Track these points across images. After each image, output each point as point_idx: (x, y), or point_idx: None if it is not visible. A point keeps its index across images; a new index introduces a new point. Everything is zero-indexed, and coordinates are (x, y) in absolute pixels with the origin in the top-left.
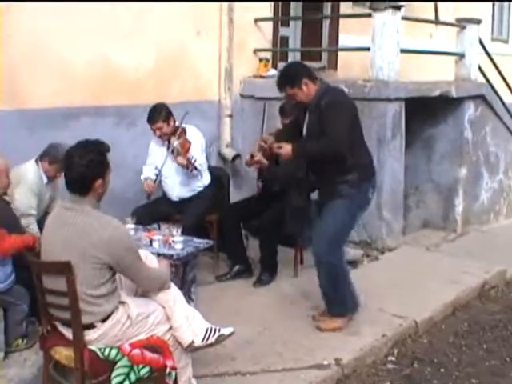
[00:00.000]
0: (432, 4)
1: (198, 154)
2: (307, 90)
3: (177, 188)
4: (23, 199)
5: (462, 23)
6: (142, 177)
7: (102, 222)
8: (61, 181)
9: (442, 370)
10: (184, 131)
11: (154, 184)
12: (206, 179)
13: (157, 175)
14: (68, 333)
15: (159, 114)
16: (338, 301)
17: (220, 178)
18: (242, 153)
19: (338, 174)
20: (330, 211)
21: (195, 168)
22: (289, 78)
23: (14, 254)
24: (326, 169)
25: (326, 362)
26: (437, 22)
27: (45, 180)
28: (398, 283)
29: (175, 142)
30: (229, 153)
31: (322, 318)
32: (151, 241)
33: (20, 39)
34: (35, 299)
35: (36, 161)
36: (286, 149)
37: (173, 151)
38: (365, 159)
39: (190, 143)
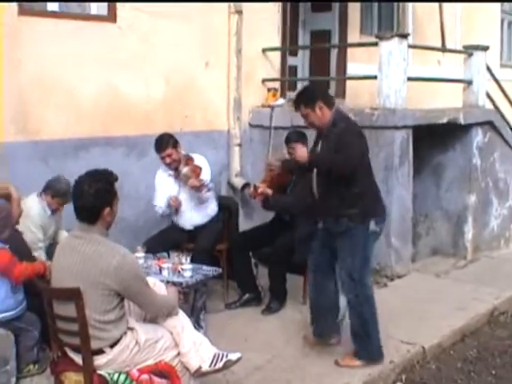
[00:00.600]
0: (439, 31)
1: (207, 177)
2: (321, 114)
3: (190, 215)
4: (28, 234)
5: (469, 50)
6: (161, 211)
7: (110, 249)
8: (64, 211)
9: None
10: (191, 158)
11: (177, 199)
12: (215, 206)
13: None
14: (78, 358)
15: (167, 141)
16: (369, 343)
17: (229, 207)
18: (252, 182)
19: (342, 206)
20: (342, 250)
21: (208, 189)
22: (305, 97)
23: (26, 282)
24: (331, 197)
25: None
26: (444, 49)
27: (48, 212)
28: (407, 310)
29: (184, 169)
30: (238, 182)
31: (344, 356)
32: (161, 269)
33: (29, 67)
34: (46, 326)
35: (39, 194)
36: (303, 151)
37: (182, 179)
38: (370, 193)
39: (200, 168)
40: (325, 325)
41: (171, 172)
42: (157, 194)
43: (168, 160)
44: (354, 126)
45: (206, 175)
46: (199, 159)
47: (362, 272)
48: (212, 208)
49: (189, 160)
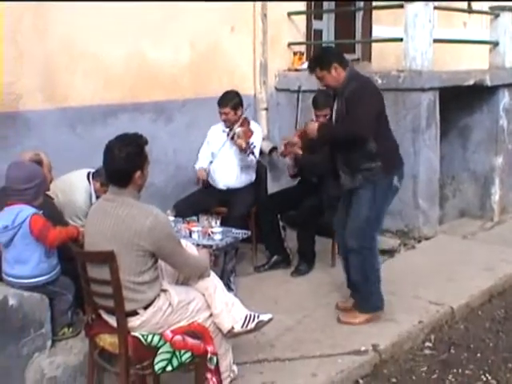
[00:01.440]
0: None
1: (257, 144)
2: (336, 75)
3: (227, 176)
4: (74, 219)
5: (495, 11)
6: (197, 166)
7: (142, 211)
8: (80, 165)
9: (479, 355)
10: (248, 121)
11: (206, 172)
12: (253, 175)
13: (210, 162)
14: (112, 320)
15: (231, 100)
16: (367, 296)
17: (258, 171)
18: (279, 145)
19: (362, 162)
20: (357, 202)
21: (252, 153)
22: (319, 60)
23: (60, 246)
24: (350, 156)
25: (363, 348)
26: (470, 10)
27: (94, 199)
28: (435, 271)
29: (238, 129)
30: (265, 146)
31: (344, 310)
32: (190, 232)
33: (56, 33)
34: (79, 290)
35: (88, 177)
36: (313, 126)
37: (233, 136)
38: (390, 148)
39: (252, 132)
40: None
41: (225, 129)
42: (202, 148)
43: (223, 117)
44: (366, 84)
45: (255, 141)
46: (254, 125)
47: (376, 224)
48: (249, 177)
49: (244, 122)
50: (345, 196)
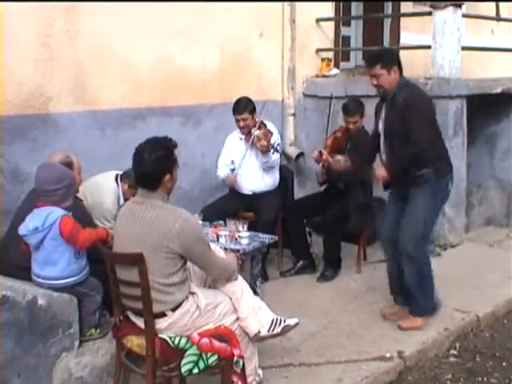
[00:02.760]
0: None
1: (277, 143)
2: (393, 78)
3: (251, 181)
4: (103, 222)
5: None
6: (222, 174)
7: (172, 213)
8: (107, 167)
9: (504, 364)
10: (264, 124)
11: (235, 177)
12: (278, 177)
13: (232, 170)
14: (140, 322)
15: (246, 105)
16: (424, 300)
17: (284, 176)
18: (306, 151)
19: (416, 168)
20: (415, 207)
21: (277, 151)
22: (384, 57)
23: (89, 248)
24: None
25: (388, 355)
26: (498, 18)
27: (122, 201)
28: (461, 278)
29: (256, 132)
30: (292, 151)
31: (402, 318)
32: (218, 236)
33: (87, 37)
34: (107, 291)
35: (116, 178)
36: (382, 171)
37: (253, 141)
38: (442, 154)
39: (271, 133)
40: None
41: (242, 136)
42: (221, 158)
43: (242, 124)
44: (422, 93)
45: (275, 139)
46: (270, 126)
47: (431, 228)
48: (273, 180)
49: (261, 125)
50: (393, 200)
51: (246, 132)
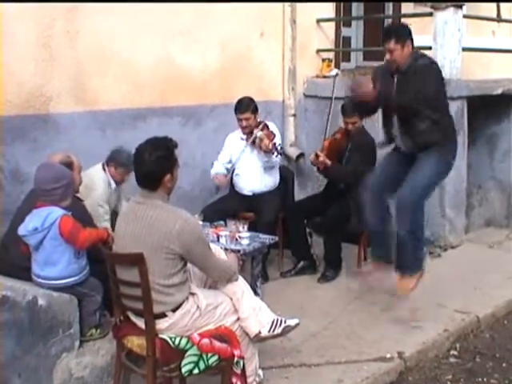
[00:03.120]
0: (494, 1)
1: (279, 144)
2: (406, 52)
3: (251, 181)
4: (96, 207)
5: None
6: (213, 171)
7: (172, 214)
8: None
9: (504, 365)
10: (266, 125)
11: (225, 177)
12: (278, 178)
13: (228, 169)
14: (140, 322)
15: (248, 105)
16: (417, 253)
17: (285, 177)
18: (306, 152)
19: (426, 133)
20: (424, 164)
21: (280, 153)
22: (398, 32)
23: (89, 248)
24: (416, 128)
25: (388, 355)
26: (499, 19)
27: (113, 185)
28: (461, 279)
29: (259, 133)
30: (293, 152)
31: (399, 282)
32: (218, 237)
33: (87, 38)
34: (107, 291)
35: (103, 166)
36: (367, 86)
37: (254, 141)
38: (450, 126)
39: (274, 135)
40: (388, 251)
41: (243, 136)
42: (220, 155)
43: (244, 123)
44: (435, 63)
45: (278, 141)
46: (272, 126)
47: (431, 190)
48: (274, 180)
49: (264, 126)
50: (393, 159)
51: (248, 132)
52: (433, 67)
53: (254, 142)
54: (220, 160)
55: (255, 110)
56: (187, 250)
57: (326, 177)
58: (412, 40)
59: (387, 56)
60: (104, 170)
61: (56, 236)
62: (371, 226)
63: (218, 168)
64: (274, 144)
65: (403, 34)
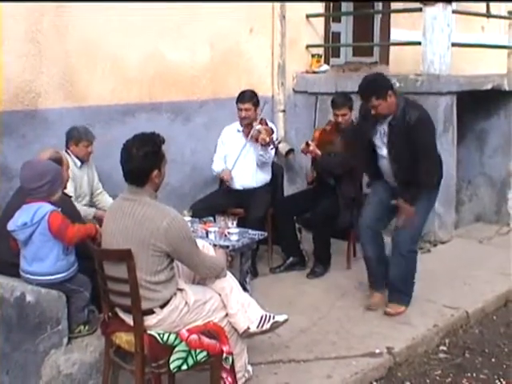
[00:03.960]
0: None
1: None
2: (390, 102)
3: (243, 175)
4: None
5: None
6: (217, 168)
7: (159, 211)
8: (96, 163)
9: (493, 360)
10: (265, 121)
11: (230, 173)
12: (269, 175)
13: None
14: (128, 319)
15: (251, 96)
16: (409, 290)
17: (274, 172)
18: (296, 147)
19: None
20: (418, 209)
21: (275, 146)
22: (375, 89)
23: (77, 244)
24: (408, 174)
25: (378, 351)
26: (488, 15)
27: (78, 163)
28: (450, 275)
29: (258, 126)
30: (282, 147)
31: (385, 304)
32: (207, 232)
33: (76, 33)
34: (95, 288)
35: (66, 151)
36: (410, 211)
37: (252, 134)
38: (440, 163)
39: (273, 131)
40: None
41: (240, 128)
42: (217, 152)
43: (244, 114)
44: (426, 113)
45: (275, 136)
46: (270, 124)
47: (421, 231)
48: (265, 177)
49: (262, 121)
50: (380, 192)
51: (246, 124)
52: (425, 120)
53: (251, 135)
54: (218, 155)
55: (256, 103)
56: (174, 247)
57: (315, 168)
58: (393, 87)
59: (372, 112)
60: (68, 154)
61: (45, 231)
62: (367, 251)
63: (221, 164)
64: (272, 138)
65: (382, 88)
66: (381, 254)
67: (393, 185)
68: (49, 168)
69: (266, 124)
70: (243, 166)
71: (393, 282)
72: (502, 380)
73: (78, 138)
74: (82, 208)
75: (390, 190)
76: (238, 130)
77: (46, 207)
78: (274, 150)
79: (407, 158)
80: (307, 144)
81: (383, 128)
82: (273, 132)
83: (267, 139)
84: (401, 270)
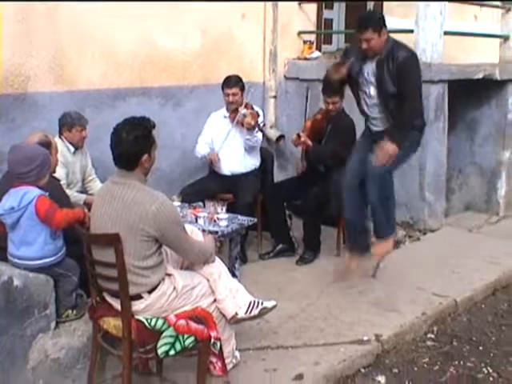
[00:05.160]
0: None
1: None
2: (382, 39)
3: (231, 161)
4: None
5: (506, 5)
6: (202, 151)
7: (148, 196)
8: (89, 149)
9: (481, 348)
10: (251, 105)
11: (217, 155)
12: (258, 160)
13: (211, 149)
14: (116, 303)
15: (236, 81)
16: (391, 218)
17: (264, 158)
18: (287, 133)
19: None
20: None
21: (261, 131)
22: (373, 21)
23: (65, 228)
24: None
25: (366, 338)
26: (481, 4)
27: (72, 149)
28: (439, 263)
29: (243, 110)
30: (273, 133)
31: (376, 247)
32: (196, 218)
33: (65, 18)
34: (84, 272)
35: (59, 137)
36: (391, 148)
37: (238, 118)
38: (422, 111)
39: (258, 114)
40: (363, 241)
41: (227, 114)
42: (202, 135)
43: (231, 98)
44: (414, 54)
45: (260, 119)
46: (256, 108)
47: (396, 167)
48: (253, 161)
49: (248, 105)
50: (364, 146)
51: (233, 109)
52: (413, 60)
53: (237, 120)
54: (202, 139)
55: (243, 88)
56: (162, 233)
57: (307, 157)
58: (386, 26)
59: (364, 45)
60: (62, 140)
61: (32, 216)
62: (348, 214)
63: (205, 147)
64: (257, 121)
65: (379, 23)
66: (361, 217)
67: (374, 129)
68: (37, 152)
69: (252, 108)
70: (231, 151)
71: (375, 211)
72: (488, 368)
73: (70, 123)
74: (72, 194)
75: (370, 139)
76: (225, 116)
77: (33, 191)
78: (260, 134)
79: (393, 95)
80: (298, 136)
81: (371, 66)
82: (258, 115)
83: (252, 122)
84: (376, 196)
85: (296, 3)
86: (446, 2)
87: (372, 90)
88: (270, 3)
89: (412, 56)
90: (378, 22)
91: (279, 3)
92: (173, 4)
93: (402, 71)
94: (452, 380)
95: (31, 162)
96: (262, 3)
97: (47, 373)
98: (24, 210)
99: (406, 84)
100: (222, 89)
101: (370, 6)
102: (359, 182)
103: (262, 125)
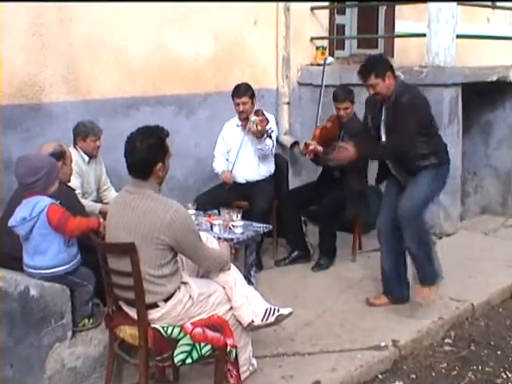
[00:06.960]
0: None
1: (273, 129)
2: (389, 83)
3: (246, 169)
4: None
5: None
6: (218, 167)
7: (163, 204)
8: (103, 158)
9: (499, 353)
10: (261, 111)
11: (230, 174)
12: (272, 167)
13: (228, 160)
14: (132, 312)
15: (246, 90)
16: (432, 265)
17: (279, 165)
18: (301, 140)
19: (417, 161)
20: (417, 180)
21: (270, 137)
22: (375, 67)
23: (81, 237)
24: (404, 160)
25: (383, 344)
26: (494, 6)
27: (86, 159)
28: (456, 267)
29: (253, 117)
30: (287, 140)
31: (417, 290)
32: (211, 225)
33: (79, 26)
34: (100, 281)
35: (74, 147)
36: (349, 154)
37: (249, 126)
38: (441, 147)
39: (268, 121)
40: (400, 292)
41: (239, 122)
42: (217, 148)
43: (241, 107)
44: (420, 97)
45: (271, 127)
46: (268, 115)
47: (427, 205)
48: (268, 169)
49: (258, 112)
50: (391, 192)
51: (244, 117)
52: (414, 103)
53: (248, 128)
54: (218, 151)
55: (252, 96)
56: (177, 241)
57: (318, 164)
58: (393, 69)
59: (371, 91)
60: (76, 149)
61: (44, 225)
62: (385, 264)
63: (222, 162)
64: (265, 127)
65: (382, 67)
66: (398, 268)
67: (401, 179)
68: (43, 162)
69: (263, 114)
70: (245, 159)
71: (414, 259)
72: (507, 373)
73: (85, 133)
74: (87, 203)
75: (395, 183)
76: (237, 125)
77: (44, 200)
78: (270, 141)
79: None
80: (306, 145)
81: (384, 111)
82: (268, 122)
83: (259, 128)
84: (413, 244)
85: (308, 9)
86: (459, 6)
87: (383, 137)
88: (282, 9)
89: (414, 98)
90: (380, 67)
91: (291, 9)
92: (185, 10)
93: (400, 111)
94: None
95: (37, 172)
96: (273, 9)
97: (64, 382)
98: (36, 219)
99: (398, 121)
100: (232, 98)
101: (382, 10)
102: (392, 229)
103: (270, 131)
